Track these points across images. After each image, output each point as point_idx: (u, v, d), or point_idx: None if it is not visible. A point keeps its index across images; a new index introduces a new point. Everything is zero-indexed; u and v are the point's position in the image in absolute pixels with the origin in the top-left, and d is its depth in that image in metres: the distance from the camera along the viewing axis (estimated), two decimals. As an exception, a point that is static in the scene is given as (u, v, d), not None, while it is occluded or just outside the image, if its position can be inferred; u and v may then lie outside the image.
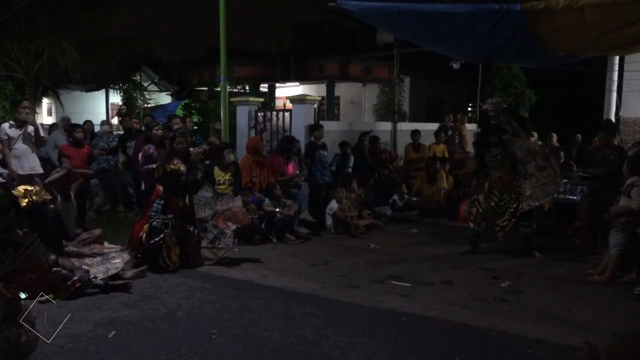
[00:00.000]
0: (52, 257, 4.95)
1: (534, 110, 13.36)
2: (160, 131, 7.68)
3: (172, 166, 5.93)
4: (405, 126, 12.10)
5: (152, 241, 5.61)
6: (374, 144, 10.04)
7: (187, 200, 5.96)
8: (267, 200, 7.32)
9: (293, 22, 43.59)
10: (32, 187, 5.36)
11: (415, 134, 10.44)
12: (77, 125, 8.11)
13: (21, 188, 5.29)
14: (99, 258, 5.46)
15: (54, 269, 4.78)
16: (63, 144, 7.91)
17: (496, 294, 5.06)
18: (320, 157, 8.64)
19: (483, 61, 8.68)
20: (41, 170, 6.93)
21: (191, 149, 6.40)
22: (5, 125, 6.75)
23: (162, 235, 5.62)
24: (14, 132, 6.75)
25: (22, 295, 4.21)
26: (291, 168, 8.18)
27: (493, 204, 6.39)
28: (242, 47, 17.46)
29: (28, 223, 4.82)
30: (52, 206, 5.45)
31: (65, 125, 8.47)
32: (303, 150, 8.74)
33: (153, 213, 5.75)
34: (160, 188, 5.90)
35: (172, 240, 5.69)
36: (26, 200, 5.12)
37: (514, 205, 6.28)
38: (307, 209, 7.98)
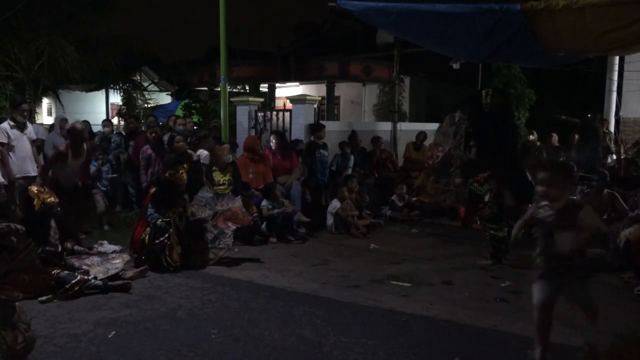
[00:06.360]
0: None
1: (534, 110, 13.33)
2: (154, 134, 7.68)
3: (169, 176, 5.90)
4: (405, 126, 12.10)
5: (157, 241, 5.61)
6: (375, 143, 10.07)
7: (185, 203, 5.97)
8: (264, 202, 7.29)
9: (293, 22, 43.58)
10: (42, 188, 5.41)
11: (420, 135, 10.43)
12: None
13: (34, 188, 5.33)
14: (98, 258, 5.46)
15: (54, 271, 4.78)
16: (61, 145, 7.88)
17: (496, 294, 5.06)
18: (321, 156, 8.64)
19: (483, 61, 8.66)
20: (35, 174, 6.90)
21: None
22: (7, 126, 6.72)
23: (167, 235, 5.63)
24: (16, 134, 6.73)
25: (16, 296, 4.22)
26: (290, 163, 8.20)
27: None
28: (242, 47, 17.43)
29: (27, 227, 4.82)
30: (58, 209, 5.46)
31: (64, 126, 8.44)
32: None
33: (149, 218, 5.77)
34: (151, 191, 5.95)
35: (174, 239, 5.70)
36: (38, 201, 5.15)
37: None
38: (300, 210, 7.83)
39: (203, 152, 7.16)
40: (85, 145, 6.63)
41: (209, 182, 6.88)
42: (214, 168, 7.26)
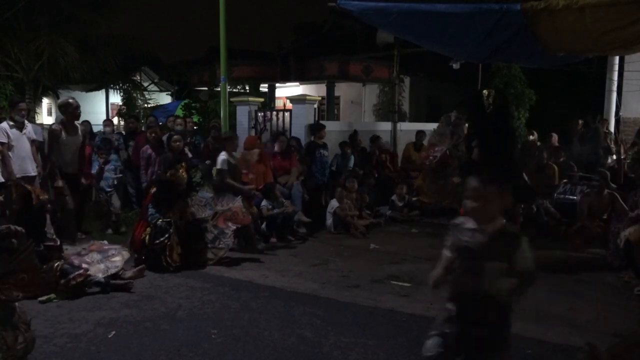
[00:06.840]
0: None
1: (534, 110, 13.34)
2: (154, 135, 7.67)
3: (170, 176, 5.90)
4: (405, 126, 12.09)
5: (157, 241, 5.61)
6: (374, 143, 10.07)
7: (185, 204, 5.97)
8: (264, 202, 7.29)
9: (293, 22, 43.60)
10: (34, 187, 5.43)
11: (420, 134, 10.43)
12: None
13: (27, 187, 5.35)
14: (98, 256, 5.45)
15: (57, 263, 4.78)
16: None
17: (496, 294, 5.05)
18: (321, 156, 8.64)
19: (483, 61, 8.64)
20: (34, 173, 6.91)
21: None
22: (6, 125, 6.71)
23: (167, 235, 5.63)
24: (15, 133, 6.72)
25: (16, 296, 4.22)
26: (289, 163, 8.17)
27: None
28: (242, 47, 17.43)
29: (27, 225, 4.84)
30: (49, 205, 5.47)
31: None
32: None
33: (150, 218, 5.77)
34: (152, 191, 5.95)
35: (174, 239, 5.70)
36: (35, 196, 5.17)
37: None
38: (301, 210, 7.83)
39: (221, 156, 7.04)
40: (78, 125, 6.80)
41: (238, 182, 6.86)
42: (243, 171, 7.20)
